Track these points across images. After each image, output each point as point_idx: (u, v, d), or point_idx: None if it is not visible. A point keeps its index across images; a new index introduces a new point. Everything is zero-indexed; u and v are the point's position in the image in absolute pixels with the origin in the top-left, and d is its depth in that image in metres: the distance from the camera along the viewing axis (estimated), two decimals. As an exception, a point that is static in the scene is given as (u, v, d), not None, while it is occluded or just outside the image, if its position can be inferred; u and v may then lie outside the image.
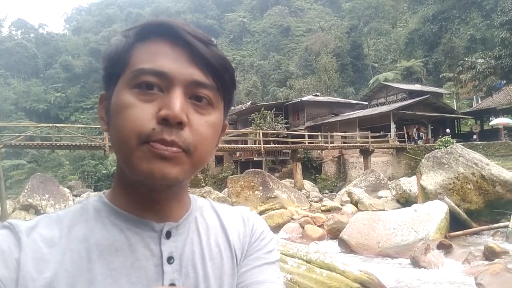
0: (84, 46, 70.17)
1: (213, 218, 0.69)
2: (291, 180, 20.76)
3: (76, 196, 21.81)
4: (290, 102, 32.23)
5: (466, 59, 28.15)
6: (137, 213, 0.60)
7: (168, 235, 0.61)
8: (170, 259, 0.59)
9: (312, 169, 26.99)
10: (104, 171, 36.09)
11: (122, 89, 0.56)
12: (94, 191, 30.44)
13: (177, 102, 0.54)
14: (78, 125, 28.54)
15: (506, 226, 7.20)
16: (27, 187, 13.74)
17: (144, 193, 0.59)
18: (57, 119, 51.69)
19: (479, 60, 25.97)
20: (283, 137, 24.42)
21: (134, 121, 0.54)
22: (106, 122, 0.60)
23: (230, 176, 15.57)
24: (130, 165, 0.55)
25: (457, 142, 18.29)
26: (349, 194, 14.08)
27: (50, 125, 16.61)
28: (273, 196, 12.67)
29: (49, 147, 17.40)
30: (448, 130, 25.71)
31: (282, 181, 16.39)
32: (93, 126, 28.46)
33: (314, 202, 15.51)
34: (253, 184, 12.92)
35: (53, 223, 0.58)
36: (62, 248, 0.56)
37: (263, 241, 0.70)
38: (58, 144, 16.69)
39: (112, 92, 0.58)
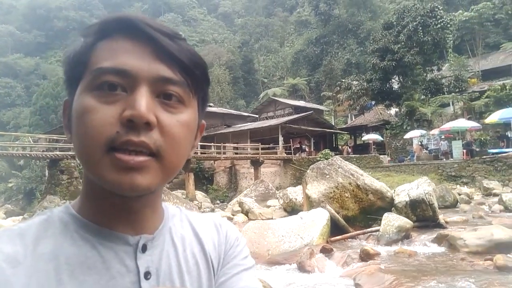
0: None
1: (187, 227, 0.65)
2: (182, 191, 20.40)
3: None
4: (183, 112, 31.85)
5: (343, 80, 31.49)
6: (109, 225, 0.55)
7: (144, 248, 0.56)
8: (147, 275, 0.54)
9: (204, 180, 26.95)
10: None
11: (83, 92, 0.52)
12: None
13: (142, 100, 0.49)
14: None
15: (377, 230, 8.07)
16: None
17: (116, 203, 0.53)
18: None
19: (354, 82, 29.22)
20: (175, 146, 23.93)
21: (96, 127, 0.49)
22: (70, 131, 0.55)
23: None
24: (96, 176, 0.51)
25: (335, 155, 20.19)
26: (240, 204, 14.34)
27: None
28: (164, 207, 12.26)
29: None
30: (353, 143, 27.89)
31: (173, 192, 15.99)
32: None
33: (206, 213, 15.46)
34: (142, 195, 12.34)
35: (15, 237, 0.51)
36: (27, 268, 0.49)
37: (238, 248, 0.67)
38: None
39: (73, 98, 0.53)
